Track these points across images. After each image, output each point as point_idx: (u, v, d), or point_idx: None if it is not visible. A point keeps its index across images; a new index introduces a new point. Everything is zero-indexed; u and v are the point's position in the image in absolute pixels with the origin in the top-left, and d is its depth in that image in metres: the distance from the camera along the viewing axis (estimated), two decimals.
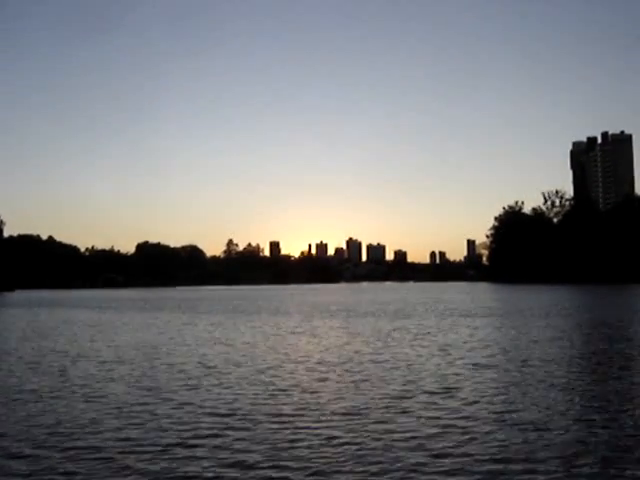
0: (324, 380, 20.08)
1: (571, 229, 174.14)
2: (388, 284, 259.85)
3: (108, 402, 16.98)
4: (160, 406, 16.39)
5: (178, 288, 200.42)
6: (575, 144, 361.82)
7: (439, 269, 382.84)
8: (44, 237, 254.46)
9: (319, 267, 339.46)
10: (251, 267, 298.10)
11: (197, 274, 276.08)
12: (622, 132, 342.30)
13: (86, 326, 47.54)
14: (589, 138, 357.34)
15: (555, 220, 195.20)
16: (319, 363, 24.20)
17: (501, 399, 16.59)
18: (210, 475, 10.63)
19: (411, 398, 16.86)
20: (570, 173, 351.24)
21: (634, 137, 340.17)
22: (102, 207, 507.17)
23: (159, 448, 12.28)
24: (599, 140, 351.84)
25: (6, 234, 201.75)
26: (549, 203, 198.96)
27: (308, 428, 13.67)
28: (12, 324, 51.80)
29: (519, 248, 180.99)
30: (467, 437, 12.74)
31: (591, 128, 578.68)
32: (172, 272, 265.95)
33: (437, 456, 11.46)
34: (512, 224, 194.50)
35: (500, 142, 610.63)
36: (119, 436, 13.26)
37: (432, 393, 17.45)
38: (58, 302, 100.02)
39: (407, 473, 10.57)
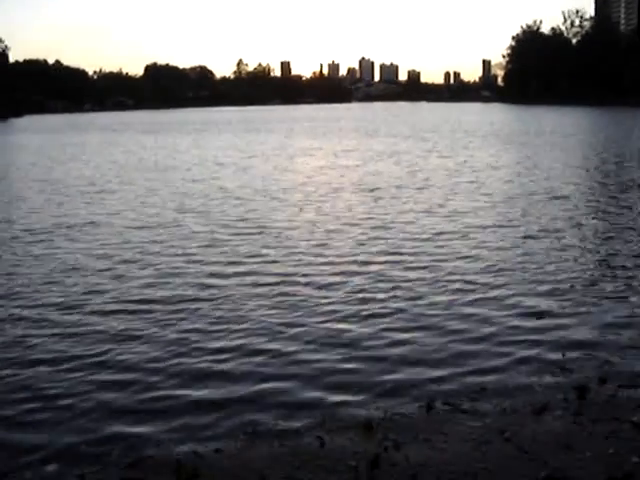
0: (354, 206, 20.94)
1: (590, 50, 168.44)
2: (401, 104, 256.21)
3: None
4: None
5: (188, 109, 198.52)
6: None
7: (453, 90, 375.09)
8: (51, 61, 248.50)
9: (331, 87, 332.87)
10: (261, 88, 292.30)
11: (206, 95, 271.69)
12: None
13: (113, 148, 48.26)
14: None
15: (574, 41, 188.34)
16: (346, 189, 25.12)
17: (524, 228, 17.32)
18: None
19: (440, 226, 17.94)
20: None
21: None
22: (109, 29, 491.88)
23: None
24: None
25: (12, 59, 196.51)
26: (568, 23, 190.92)
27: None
28: (17, 150, 51.01)
29: (536, 69, 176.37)
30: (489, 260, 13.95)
31: None
32: (181, 94, 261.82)
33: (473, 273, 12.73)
34: (530, 44, 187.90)
35: None
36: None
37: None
38: (68, 126, 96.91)
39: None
